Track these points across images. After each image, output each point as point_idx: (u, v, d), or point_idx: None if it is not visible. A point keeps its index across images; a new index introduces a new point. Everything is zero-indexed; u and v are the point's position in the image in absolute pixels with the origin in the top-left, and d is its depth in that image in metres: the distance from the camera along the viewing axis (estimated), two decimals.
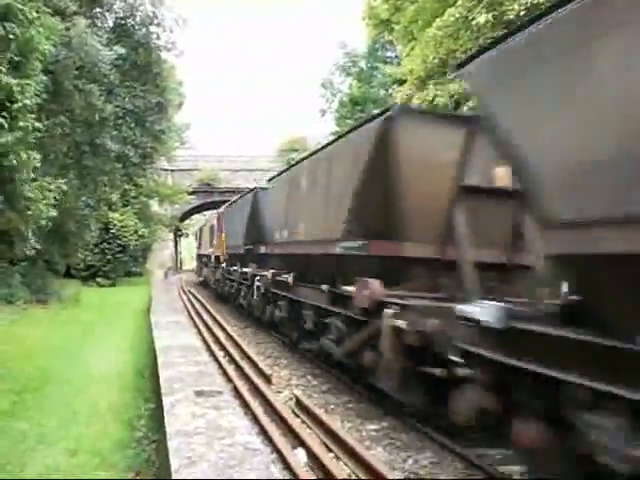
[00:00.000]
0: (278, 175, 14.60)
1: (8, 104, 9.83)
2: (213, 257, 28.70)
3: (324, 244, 9.87)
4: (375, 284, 7.89)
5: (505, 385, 5.46)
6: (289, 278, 12.46)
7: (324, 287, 10.11)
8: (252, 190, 18.74)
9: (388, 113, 7.96)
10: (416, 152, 7.84)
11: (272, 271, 14.06)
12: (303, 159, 12.45)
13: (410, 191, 7.86)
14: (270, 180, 15.54)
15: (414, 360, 7.01)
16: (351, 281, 8.70)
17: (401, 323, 6.95)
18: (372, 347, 8.00)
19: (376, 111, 9.24)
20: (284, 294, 13.10)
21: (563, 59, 4.33)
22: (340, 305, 9.45)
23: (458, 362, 5.98)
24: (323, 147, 11.07)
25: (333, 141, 10.64)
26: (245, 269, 18.23)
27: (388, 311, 7.29)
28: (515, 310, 5.41)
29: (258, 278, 15.79)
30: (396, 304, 7.27)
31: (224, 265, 23.79)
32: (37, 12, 10.53)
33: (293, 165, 13.53)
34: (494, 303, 5.51)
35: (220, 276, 25.35)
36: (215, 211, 31.65)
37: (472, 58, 5.49)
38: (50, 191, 12.48)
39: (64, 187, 13.37)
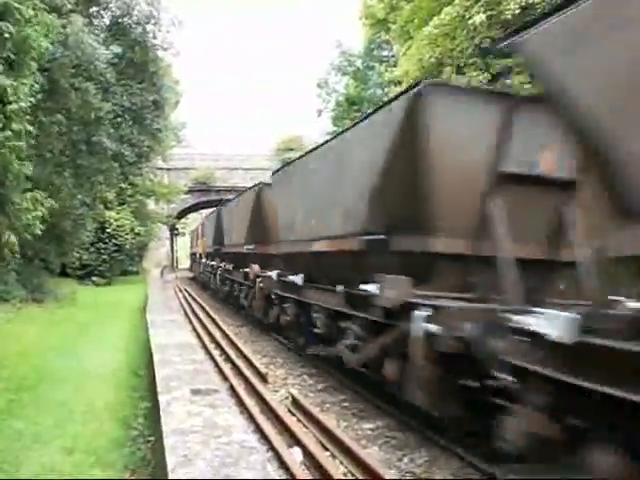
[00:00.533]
0: (228, 201, 23.70)
1: (1, 105, 9.77)
2: (198, 255, 37.80)
3: (240, 246, 18.55)
4: (256, 267, 15.58)
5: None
6: (230, 267, 20.94)
7: (241, 270, 17.97)
8: (217, 206, 27.02)
9: (257, 188, 16.59)
10: (275, 204, 13.83)
11: (224, 263, 22.52)
12: (237, 195, 21.49)
13: (273, 220, 14.11)
14: (224, 203, 24.70)
15: (267, 301, 14.59)
16: (248, 264, 16.56)
17: (262, 284, 14.68)
18: (254, 298, 15.92)
19: (254, 185, 17.71)
20: (228, 276, 21.65)
21: (298, 177, 11.66)
22: (247, 279, 17.02)
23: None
24: (240, 193, 20.40)
25: (241, 192, 20.26)
26: (213, 263, 26.44)
27: (258, 279, 15.11)
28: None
29: (219, 268, 23.88)
30: (262, 276, 14.66)
31: (204, 260, 32.13)
32: (34, 9, 10.47)
33: (233, 198, 22.57)
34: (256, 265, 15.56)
35: (202, 269, 33.44)
36: (203, 216, 41.56)
37: (277, 170, 13.72)
38: (42, 205, 12.35)
39: (56, 205, 13.25)
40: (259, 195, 16.19)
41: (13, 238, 10.67)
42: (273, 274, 13.28)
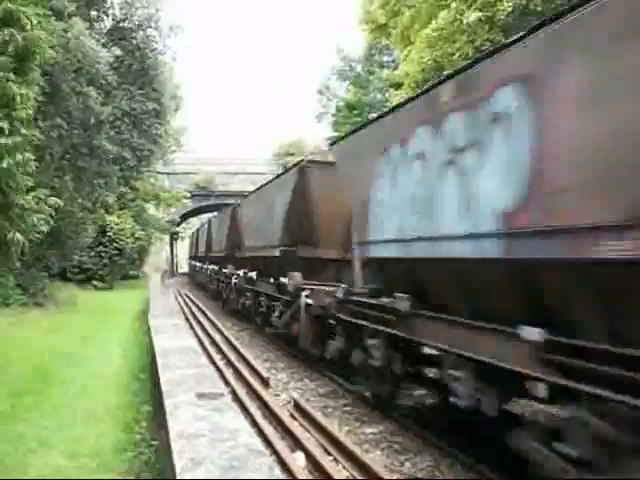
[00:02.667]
0: (213, 217, 31.52)
1: (7, 111, 9.72)
2: (195, 259, 43.86)
3: (221, 252, 24.19)
4: (231, 267, 20.48)
5: None
6: (215, 267, 26.37)
7: (222, 270, 23.08)
8: (207, 221, 34.25)
9: (233, 206, 22.45)
10: (243, 220, 19.47)
11: (212, 266, 27.97)
12: (222, 210, 28.83)
13: (241, 231, 19.24)
14: (211, 218, 32.98)
15: (238, 293, 19.46)
16: (227, 266, 21.46)
17: (235, 280, 19.49)
18: (231, 291, 21.07)
19: (231, 204, 24.11)
20: (214, 276, 27.29)
21: (252, 204, 18.00)
22: (226, 277, 21.85)
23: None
24: (224, 209, 27.14)
25: (224, 208, 26.93)
26: (204, 265, 32.49)
27: (233, 276, 19.88)
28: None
29: (209, 269, 29.51)
30: (237, 274, 19.14)
31: (199, 264, 38.15)
32: (38, 15, 10.45)
33: (219, 213, 30.28)
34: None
35: (198, 271, 39.68)
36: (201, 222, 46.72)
37: (245, 196, 21.02)
38: (47, 204, 12.29)
39: (61, 203, 13.19)
40: (234, 212, 21.18)
41: (19, 236, 10.62)
42: (240, 272, 18.42)
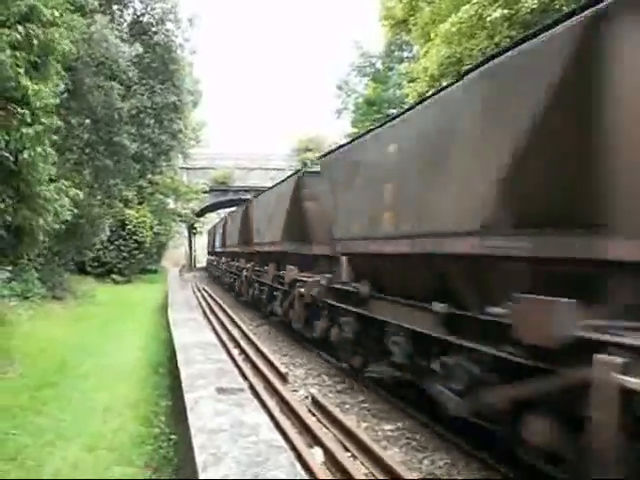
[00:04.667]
0: (229, 214, 32.64)
1: (28, 103, 9.77)
2: (212, 254, 46.93)
3: (235, 247, 25.39)
4: (242, 261, 23.16)
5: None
6: (230, 261, 28.16)
7: (236, 264, 24.95)
8: (223, 219, 36.08)
9: (246, 204, 24.00)
10: (253, 218, 21.27)
11: (227, 260, 30.27)
12: (231, 212, 31.67)
13: (252, 228, 20.50)
14: (226, 215, 34.58)
15: (248, 284, 21.42)
16: (239, 260, 24.09)
17: (245, 273, 21.62)
18: (242, 283, 22.91)
19: (244, 201, 27.12)
20: (228, 269, 29.19)
21: (260, 204, 20.13)
22: (238, 270, 24.08)
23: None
24: (238, 206, 28.61)
25: (239, 206, 28.00)
26: (221, 259, 34.67)
27: (244, 270, 22.02)
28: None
29: (224, 263, 31.86)
30: (246, 267, 21.51)
31: (215, 258, 41.29)
32: (57, 10, 10.45)
33: (227, 215, 33.12)
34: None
35: (215, 265, 42.02)
36: (214, 223, 48.57)
37: (255, 195, 22.82)
38: (67, 195, 12.35)
39: (81, 194, 13.26)
40: (246, 209, 22.89)
41: (42, 222, 10.72)
42: (250, 265, 20.81)
